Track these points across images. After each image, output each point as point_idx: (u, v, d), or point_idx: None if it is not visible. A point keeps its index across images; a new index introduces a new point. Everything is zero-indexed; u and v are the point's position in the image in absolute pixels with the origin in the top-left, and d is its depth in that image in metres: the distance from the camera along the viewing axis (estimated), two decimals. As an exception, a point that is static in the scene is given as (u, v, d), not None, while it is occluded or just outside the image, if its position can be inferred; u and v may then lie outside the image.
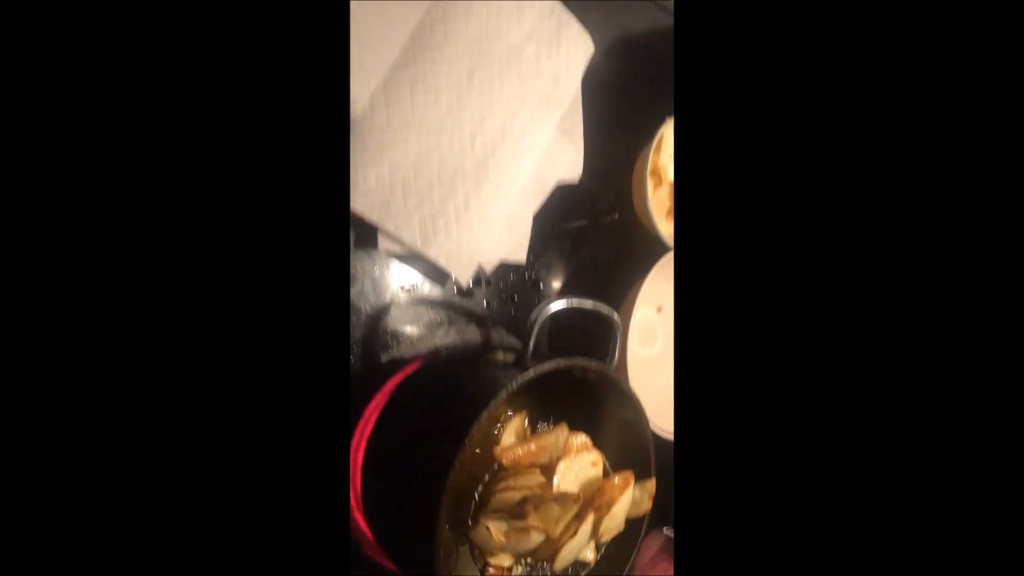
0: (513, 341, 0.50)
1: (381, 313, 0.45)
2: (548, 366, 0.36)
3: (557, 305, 0.37)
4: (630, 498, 0.36)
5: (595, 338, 0.51)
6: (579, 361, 0.38)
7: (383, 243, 0.42)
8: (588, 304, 0.39)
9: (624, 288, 0.55)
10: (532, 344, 0.37)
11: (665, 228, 0.56)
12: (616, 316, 0.41)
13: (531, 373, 0.35)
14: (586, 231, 0.56)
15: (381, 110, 0.41)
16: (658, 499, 0.40)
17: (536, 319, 0.37)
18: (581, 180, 0.53)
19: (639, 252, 0.57)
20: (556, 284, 0.54)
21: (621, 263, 0.58)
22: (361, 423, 0.42)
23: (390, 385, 0.43)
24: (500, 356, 0.38)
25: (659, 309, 0.61)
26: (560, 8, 0.49)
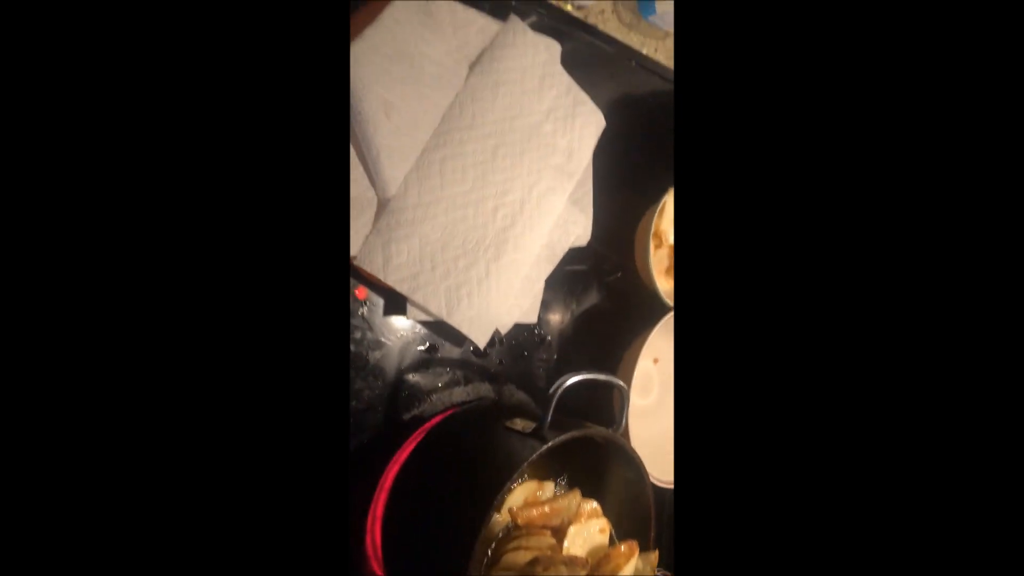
0: (523, 396, 0.54)
1: (404, 374, 0.47)
2: (564, 437, 0.40)
3: (574, 379, 0.41)
4: (634, 567, 0.40)
5: (600, 396, 0.55)
6: (591, 430, 0.41)
7: (411, 312, 0.45)
8: (602, 377, 0.43)
9: (626, 342, 0.59)
10: (551, 416, 0.40)
11: (664, 285, 0.61)
12: (625, 386, 0.45)
13: (549, 444, 0.39)
14: (591, 288, 0.60)
15: (414, 189, 0.44)
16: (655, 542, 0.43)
17: (555, 392, 0.40)
18: (589, 243, 0.56)
19: (639, 308, 0.61)
20: (563, 339, 0.57)
21: (623, 318, 0.61)
22: (383, 477, 0.45)
23: (412, 442, 0.46)
24: (519, 425, 0.41)
25: (655, 360, 0.65)
26: (576, 87, 0.53)
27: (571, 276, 0.58)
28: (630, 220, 0.61)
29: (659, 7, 0.56)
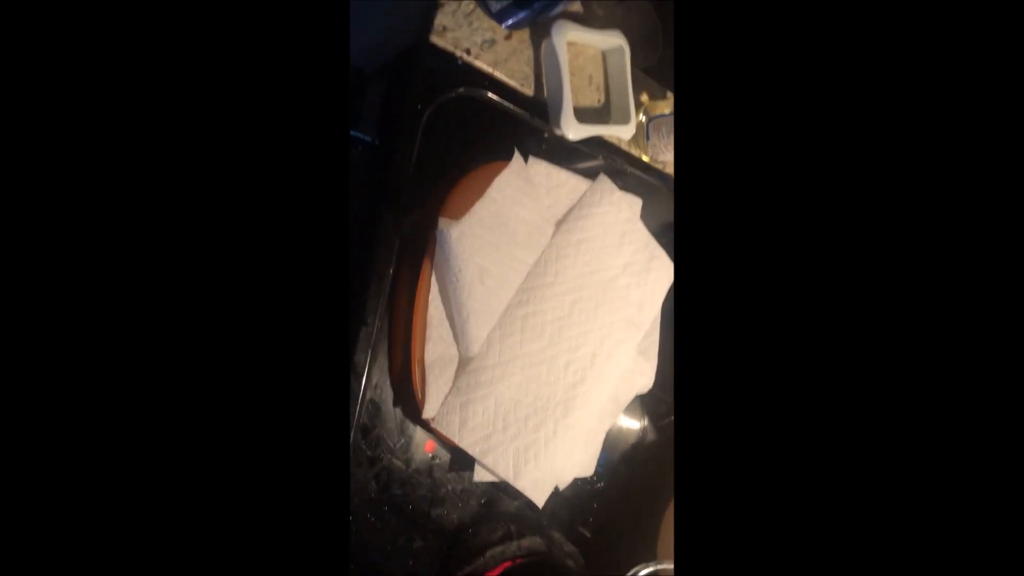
0: (571, 549, 0.52)
1: (461, 529, 0.46)
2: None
3: (645, 570, 0.40)
4: None
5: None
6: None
7: (478, 472, 0.44)
8: (668, 566, 0.42)
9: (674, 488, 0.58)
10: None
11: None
12: None
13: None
14: (646, 432, 0.59)
15: (495, 347, 0.44)
16: None
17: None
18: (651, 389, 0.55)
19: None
20: (614, 484, 0.56)
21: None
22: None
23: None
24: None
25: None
26: (653, 242, 0.53)
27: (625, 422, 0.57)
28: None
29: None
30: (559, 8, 0.43)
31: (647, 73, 0.57)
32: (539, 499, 0.46)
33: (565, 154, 0.50)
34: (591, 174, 0.51)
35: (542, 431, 0.46)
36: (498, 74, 0.44)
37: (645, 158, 0.56)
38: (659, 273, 0.54)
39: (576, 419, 0.47)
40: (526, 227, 0.45)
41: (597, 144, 0.53)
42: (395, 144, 0.43)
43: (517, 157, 0.44)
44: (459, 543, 0.46)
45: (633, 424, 0.58)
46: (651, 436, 0.59)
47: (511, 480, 0.44)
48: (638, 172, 0.56)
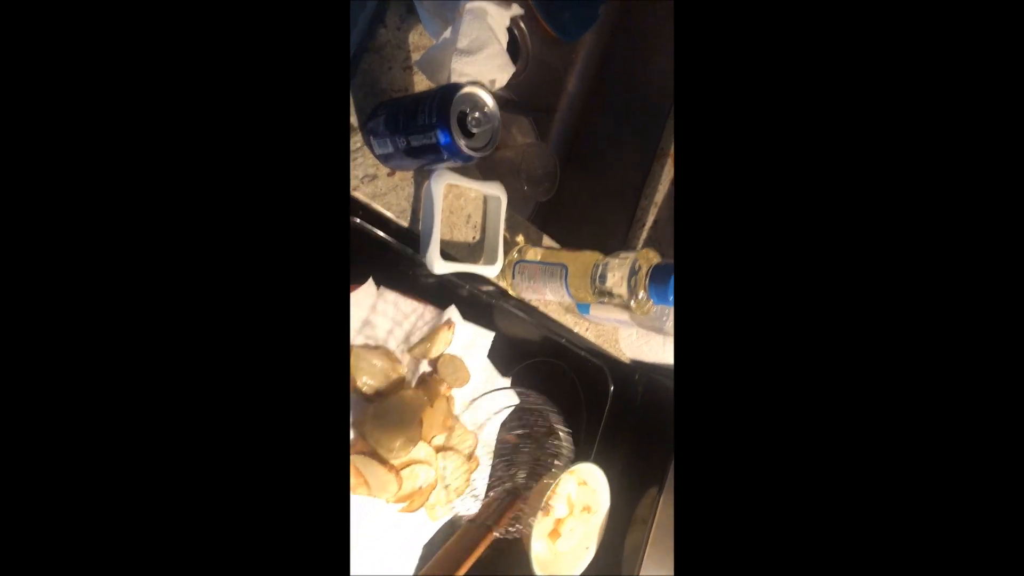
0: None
1: None
2: None
3: None
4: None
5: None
6: None
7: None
8: None
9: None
10: None
11: (540, 551, 0.63)
12: None
13: None
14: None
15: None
16: None
17: None
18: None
19: (512, 569, 0.63)
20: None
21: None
22: None
23: None
24: None
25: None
26: (491, 369, 0.58)
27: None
28: (531, 493, 0.64)
29: (592, 311, 0.64)
30: (444, 165, 0.49)
31: (531, 221, 0.64)
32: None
33: (436, 279, 0.55)
34: (460, 299, 0.56)
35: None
36: (375, 205, 0.49)
37: (512, 293, 0.62)
38: (497, 400, 0.58)
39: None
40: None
41: (469, 275, 0.59)
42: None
43: (370, 283, 0.49)
44: None
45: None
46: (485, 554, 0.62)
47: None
48: (507, 305, 0.62)
